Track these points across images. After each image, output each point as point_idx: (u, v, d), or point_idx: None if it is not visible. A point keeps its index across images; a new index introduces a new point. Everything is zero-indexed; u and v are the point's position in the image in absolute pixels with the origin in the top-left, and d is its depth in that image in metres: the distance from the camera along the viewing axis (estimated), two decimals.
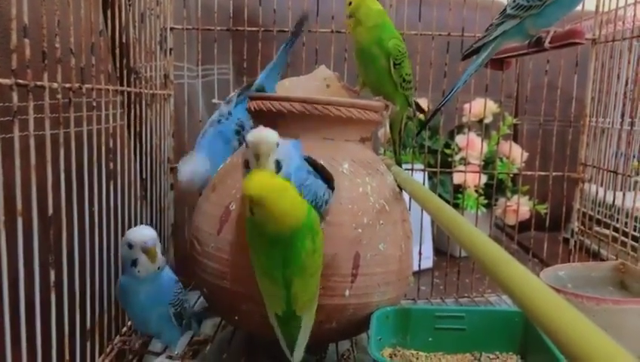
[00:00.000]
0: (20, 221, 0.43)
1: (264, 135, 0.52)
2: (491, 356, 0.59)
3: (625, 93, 0.86)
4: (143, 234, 0.57)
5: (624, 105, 0.85)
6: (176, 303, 0.60)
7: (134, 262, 0.56)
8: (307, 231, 0.49)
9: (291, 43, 0.80)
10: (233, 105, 0.77)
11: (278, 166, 0.53)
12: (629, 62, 0.83)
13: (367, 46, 0.67)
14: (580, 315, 0.28)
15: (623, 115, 0.84)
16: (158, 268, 0.58)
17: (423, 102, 1.13)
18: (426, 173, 1.03)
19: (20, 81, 0.43)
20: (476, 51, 0.71)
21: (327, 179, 0.59)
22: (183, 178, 0.71)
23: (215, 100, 0.89)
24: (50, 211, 0.48)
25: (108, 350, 0.63)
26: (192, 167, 0.71)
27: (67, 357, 0.52)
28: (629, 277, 0.73)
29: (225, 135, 0.75)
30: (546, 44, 0.63)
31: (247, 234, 0.51)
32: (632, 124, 0.82)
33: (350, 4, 0.67)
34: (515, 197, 1.16)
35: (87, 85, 0.54)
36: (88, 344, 0.57)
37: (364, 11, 0.67)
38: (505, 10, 0.67)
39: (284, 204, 0.47)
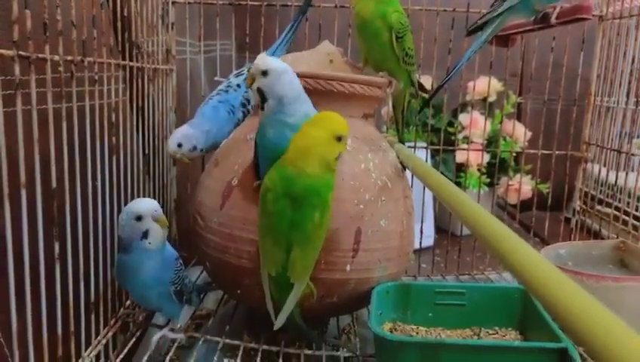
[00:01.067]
0: (23, 193, 0.43)
1: (257, 58, 0.51)
2: (490, 331, 0.60)
3: (631, 71, 0.85)
4: (150, 203, 0.56)
5: (630, 83, 0.84)
6: (176, 281, 0.60)
7: (145, 234, 0.56)
8: (320, 201, 0.51)
9: (299, 20, 0.80)
10: (243, 78, 0.76)
11: (262, 96, 0.52)
12: (636, 40, 0.82)
13: (371, 19, 0.66)
14: (580, 289, 0.28)
15: (628, 94, 0.84)
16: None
17: (427, 81, 1.13)
18: (429, 151, 1.03)
19: (22, 53, 0.43)
20: (481, 27, 0.70)
21: None
22: (170, 145, 0.71)
23: (217, 77, 0.88)
24: (54, 184, 0.48)
25: (112, 322, 0.63)
26: (180, 133, 0.72)
27: (72, 328, 0.53)
28: (629, 256, 0.74)
29: (230, 105, 0.75)
30: (553, 20, 0.63)
31: (264, 188, 0.52)
32: (637, 103, 0.82)
33: None
34: (518, 176, 1.16)
35: (89, 58, 0.54)
36: (93, 316, 0.58)
37: None
38: None
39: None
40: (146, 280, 0.58)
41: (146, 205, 0.56)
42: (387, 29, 0.66)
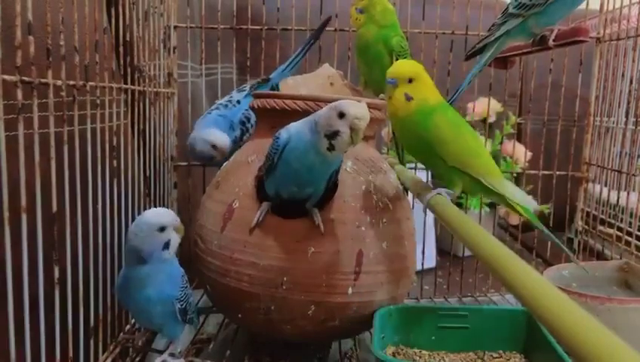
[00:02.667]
0: (24, 218, 0.43)
1: (367, 111, 0.51)
2: (495, 355, 0.59)
3: (630, 91, 0.85)
4: (169, 213, 0.56)
5: (629, 103, 0.84)
6: (182, 298, 0.59)
7: (167, 244, 0.55)
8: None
9: (310, 44, 0.81)
10: (244, 94, 0.76)
11: None
12: (633, 61, 0.83)
13: (374, 42, 0.67)
14: (584, 313, 0.28)
15: (627, 114, 0.84)
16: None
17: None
18: (429, 172, 1.03)
19: (25, 78, 0.43)
20: (480, 51, 0.71)
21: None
22: (217, 142, 0.72)
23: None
24: (54, 208, 0.48)
25: (111, 347, 0.63)
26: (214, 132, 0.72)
27: (71, 354, 0.52)
28: (633, 277, 0.73)
29: (229, 120, 0.74)
30: (550, 42, 0.63)
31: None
32: (636, 123, 0.82)
33: None
34: None
35: (91, 83, 0.55)
36: (92, 341, 0.57)
37: (380, 10, 0.66)
38: (507, 8, 0.67)
39: None
40: (153, 295, 0.56)
41: (168, 215, 0.56)
42: (388, 52, 0.67)
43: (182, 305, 0.59)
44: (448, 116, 0.55)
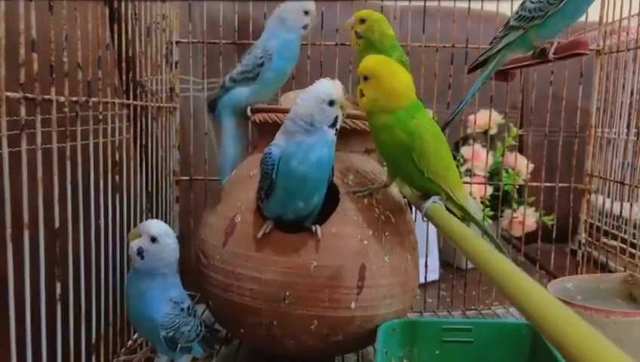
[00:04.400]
0: (26, 234, 0.43)
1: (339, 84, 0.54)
2: None
3: (630, 103, 0.86)
4: (148, 226, 0.57)
5: (630, 115, 0.84)
6: (168, 326, 0.56)
7: (140, 251, 0.56)
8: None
9: None
10: None
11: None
12: (634, 73, 0.83)
13: None
14: (589, 327, 0.28)
15: (628, 125, 0.84)
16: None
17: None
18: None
19: (28, 95, 0.43)
20: (482, 64, 0.71)
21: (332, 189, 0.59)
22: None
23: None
24: (57, 224, 0.48)
25: None
26: None
27: None
28: (637, 289, 0.73)
29: None
30: (550, 55, 0.63)
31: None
32: (637, 135, 0.82)
33: (363, 21, 0.67)
34: (521, 208, 1.15)
35: (93, 99, 0.55)
36: (93, 358, 0.57)
37: (377, 36, 0.67)
38: (508, 22, 0.67)
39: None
40: (139, 309, 0.57)
41: (143, 225, 0.57)
42: None
43: (167, 333, 0.56)
44: (425, 123, 0.55)
